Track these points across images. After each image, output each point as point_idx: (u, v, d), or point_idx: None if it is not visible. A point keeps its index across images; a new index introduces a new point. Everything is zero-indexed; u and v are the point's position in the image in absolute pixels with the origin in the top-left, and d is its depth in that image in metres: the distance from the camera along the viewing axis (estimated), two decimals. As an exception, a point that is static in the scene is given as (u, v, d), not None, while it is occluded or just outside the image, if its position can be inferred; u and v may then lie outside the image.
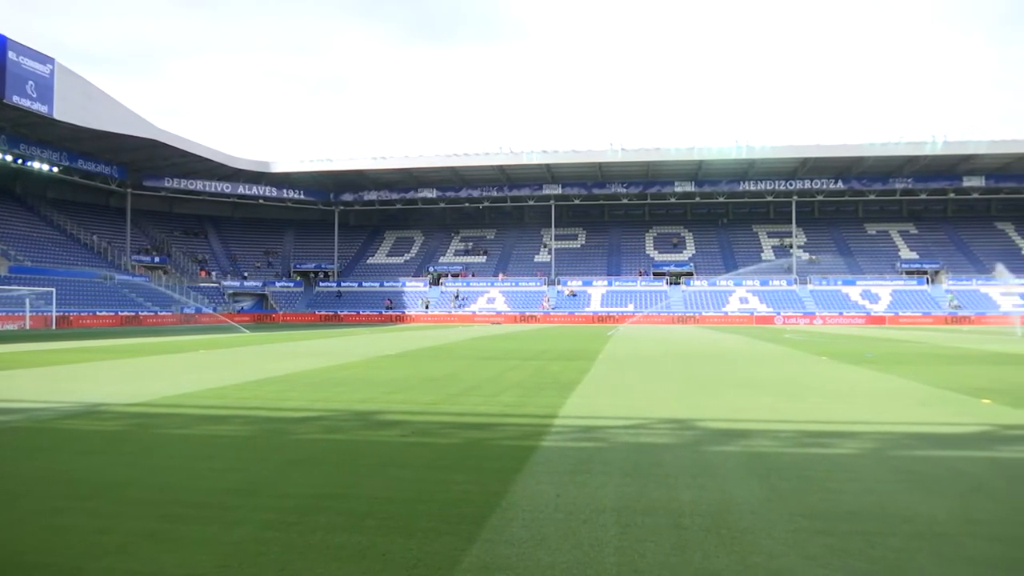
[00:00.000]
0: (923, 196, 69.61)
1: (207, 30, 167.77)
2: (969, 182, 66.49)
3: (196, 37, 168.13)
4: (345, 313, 67.07)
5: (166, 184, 66.70)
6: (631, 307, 64.22)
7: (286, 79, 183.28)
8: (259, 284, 71.00)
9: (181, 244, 71.59)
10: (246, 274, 72.06)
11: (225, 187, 69.54)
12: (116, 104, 52.25)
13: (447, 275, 73.44)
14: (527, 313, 64.97)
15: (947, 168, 65.76)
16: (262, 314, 66.91)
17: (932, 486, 5.45)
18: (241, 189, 70.37)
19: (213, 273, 69.94)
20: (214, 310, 59.68)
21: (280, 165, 68.48)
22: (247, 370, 15.17)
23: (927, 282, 65.61)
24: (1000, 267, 58.70)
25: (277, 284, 71.87)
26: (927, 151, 60.78)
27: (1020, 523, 4.54)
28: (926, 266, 67.78)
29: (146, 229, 70.39)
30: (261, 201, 73.08)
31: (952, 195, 69.52)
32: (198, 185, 68.01)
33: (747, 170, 67.07)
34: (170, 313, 56.70)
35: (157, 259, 66.36)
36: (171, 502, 5.02)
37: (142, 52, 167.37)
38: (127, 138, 53.86)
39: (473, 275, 72.97)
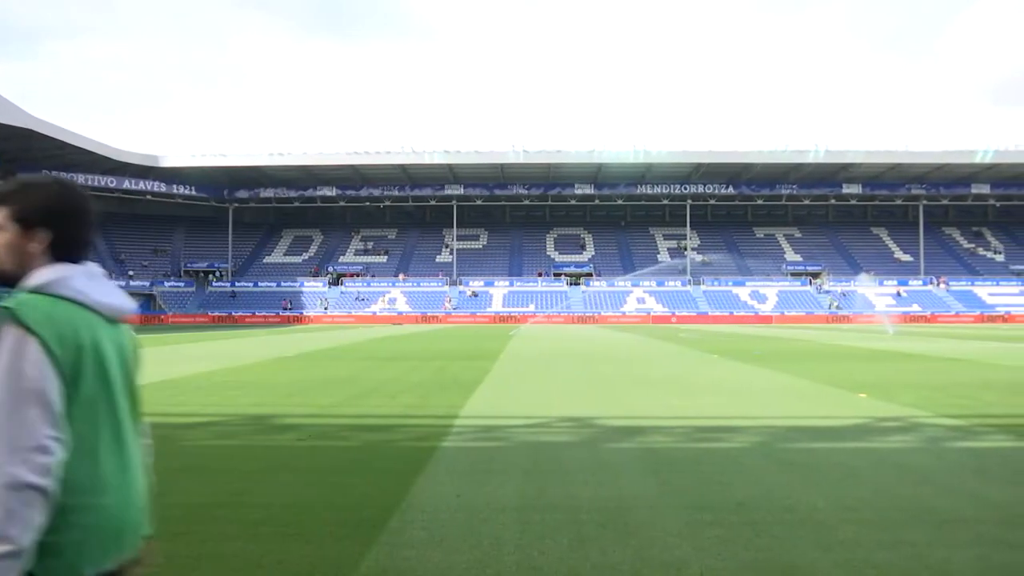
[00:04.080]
0: (807, 202, 73.50)
1: (91, 12, 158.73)
2: (848, 189, 70.77)
3: (77, 19, 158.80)
4: (240, 314, 64.78)
5: (43, 177, 62.63)
6: (532, 307, 64.91)
7: (179, 70, 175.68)
8: (146, 284, 67.61)
9: (60, 241, 67.33)
10: (131, 273, 68.44)
11: (110, 181, 65.86)
12: (-14, 90, 48.66)
13: (347, 275, 72.16)
14: (429, 313, 64.62)
15: (828, 175, 69.73)
16: (150, 315, 63.79)
17: (812, 476, 5.76)
18: (127, 184, 66.81)
19: (96, 272, 66.15)
20: (97, 311, 56.43)
21: (170, 159, 65.51)
22: (133, 374, 14.41)
23: (810, 283, 69.34)
24: (863, 276, 63.69)
25: (166, 284, 68.66)
26: (810, 159, 64.32)
27: (887, 507, 4.86)
28: (809, 268, 71.63)
29: (20, 225, 65.92)
30: (149, 197, 69.71)
31: (833, 201, 73.75)
32: (79, 178, 63.99)
33: (644, 174, 69.03)
34: (47, 314, 53.25)
35: (32, 257, 62.22)
36: (46, 515, 4.71)
37: (14, 32, 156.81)
38: (-3, 126, 50.29)
39: (374, 275, 71.99)
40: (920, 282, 67.95)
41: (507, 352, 21.35)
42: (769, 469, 6.01)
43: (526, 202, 73.86)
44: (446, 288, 69.17)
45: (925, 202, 70.84)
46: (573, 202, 74.21)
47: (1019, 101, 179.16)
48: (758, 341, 27.86)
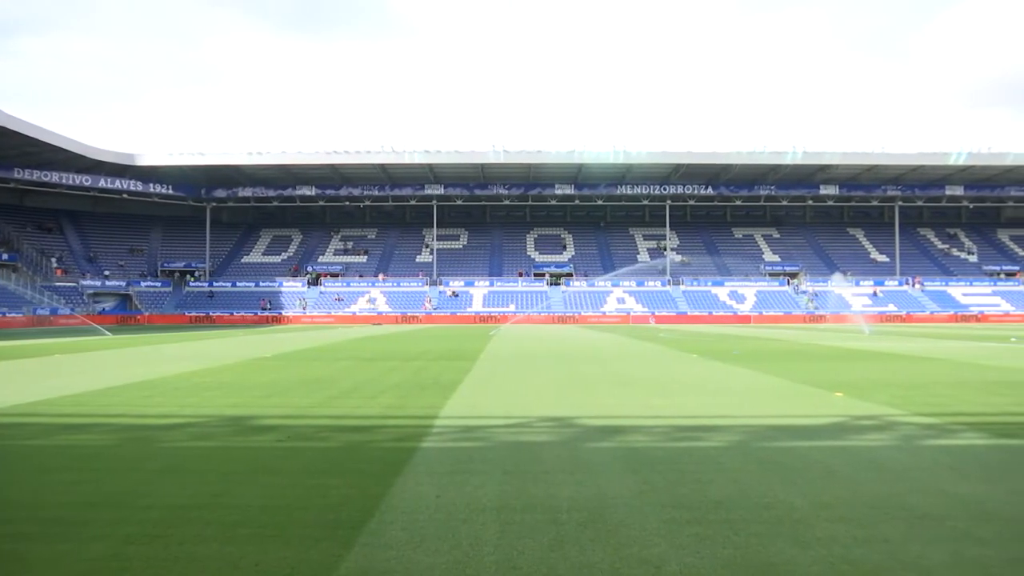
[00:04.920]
0: (784, 203, 74.13)
1: (65, 8, 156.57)
2: (825, 190, 71.45)
3: (50, 15, 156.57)
4: (218, 314, 64.23)
5: (15, 175, 61.68)
6: (512, 307, 64.92)
7: (156, 68, 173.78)
8: (122, 284, 66.83)
9: (34, 240, 66.40)
10: (107, 273, 67.62)
11: (85, 180, 65.01)
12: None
13: (326, 275, 71.78)
14: (409, 313, 64.46)
15: (806, 176, 70.36)
16: (126, 315, 63.08)
17: (790, 474, 5.81)
18: (103, 182, 65.92)
19: (71, 272, 65.28)
20: (72, 311, 55.73)
21: (147, 158, 64.72)
22: (109, 375, 14.27)
23: (788, 283, 69.96)
24: (836, 276, 64.52)
25: (142, 284, 67.88)
26: (788, 160, 64.84)
27: (863, 504, 4.92)
28: (787, 268, 72.28)
29: (-8, 223, 64.91)
30: (125, 195, 68.83)
31: (810, 202, 74.41)
32: (53, 177, 63.30)
33: (624, 174, 69.28)
34: (21, 315, 52.50)
35: (5, 256, 61.26)
36: (19, 519, 4.65)
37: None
38: (-32, 124, 49.46)
39: (360, 276, 71.65)
40: (896, 282, 68.81)
41: (487, 352, 21.33)
42: (747, 468, 6.06)
43: (506, 202, 73.83)
44: (426, 288, 69.02)
45: (900, 203, 71.71)
46: (553, 202, 74.30)
47: (993, 104, 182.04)
48: (737, 341, 28.06)
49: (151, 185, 68.41)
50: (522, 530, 4.38)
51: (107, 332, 38.82)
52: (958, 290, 67.41)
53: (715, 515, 4.68)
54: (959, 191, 70.88)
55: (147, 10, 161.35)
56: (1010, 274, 70.94)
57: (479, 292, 68.27)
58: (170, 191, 69.68)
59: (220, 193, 71.32)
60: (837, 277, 65.15)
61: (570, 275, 71.64)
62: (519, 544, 4.13)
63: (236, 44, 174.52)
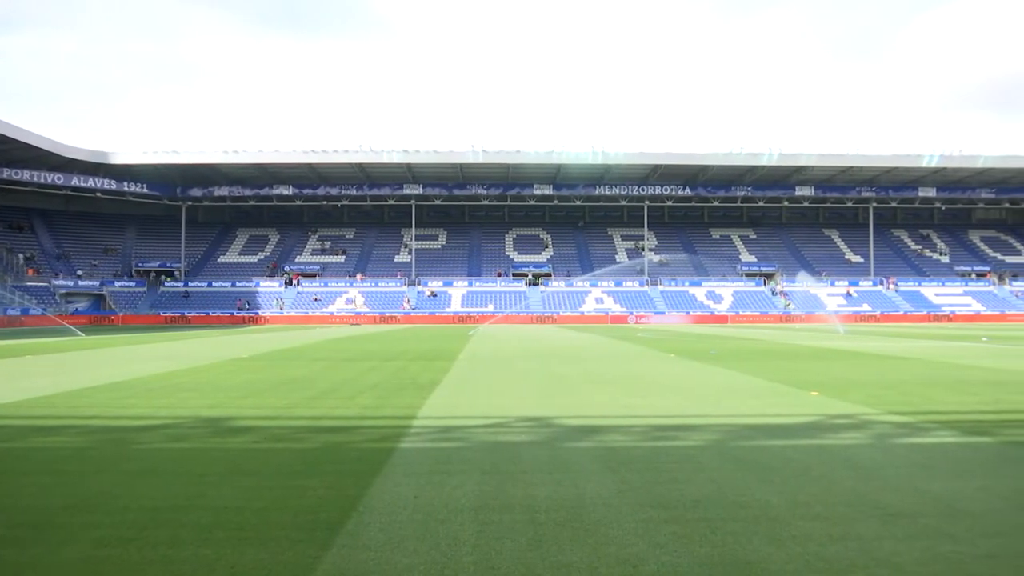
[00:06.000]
0: (761, 204, 74.78)
1: (39, 4, 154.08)
2: (801, 192, 72.19)
3: (24, 11, 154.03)
4: (193, 315, 63.54)
5: (-15, 173, 60.63)
6: (491, 307, 64.88)
7: (132, 66, 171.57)
8: (96, 284, 65.89)
9: (4, 239, 65.28)
10: (80, 272, 66.65)
11: (56, 178, 64.00)
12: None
13: (304, 275, 71.30)
14: (387, 314, 64.21)
15: (782, 178, 71.04)
16: (99, 315, 62.18)
17: (766, 473, 5.86)
18: (75, 181, 64.90)
19: (42, 271, 64.25)
20: (43, 311, 54.85)
21: (121, 156, 63.84)
22: (82, 376, 14.06)
23: (764, 283, 70.57)
24: (802, 274, 65.36)
25: (116, 284, 66.97)
26: (764, 162, 65.44)
27: (837, 502, 4.98)
28: (764, 268, 72.92)
29: (-38, 222, 63.72)
30: (99, 194, 67.86)
31: (786, 203, 75.13)
32: (24, 175, 62.25)
33: (603, 175, 69.53)
34: (-9, 315, 51.60)
35: (-25, 255, 60.22)
36: (-11, 523, 4.57)
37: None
38: (-62, 121, 48.50)
39: (343, 276, 71.20)
40: (870, 282, 69.68)
41: (466, 352, 21.31)
42: (724, 467, 6.10)
43: (485, 202, 73.79)
44: (404, 288, 68.78)
45: (875, 204, 72.65)
46: (532, 202, 74.39)
47: (966, 108, 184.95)
48: (714, 340, 28.24)
49: (125, 184, 67.48)
50: (500, 530, 4.38)
51: (80, 333, 38.27)
52: (931, 290, 68.41)
53: (692, 514, 4.71)
54: (932, 193, 71.94)
55: (125, 8, 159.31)
56: (981, 275, 72.11)
57: (458, 292, 68.17)
58: (145, 190, 68.80)
59: (196, 192, 70.56)
60: (803, 276, 65.78)
61: (549, 275, 71.74)
62: (497, 544, 4.13)
63: (214, 43, 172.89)
